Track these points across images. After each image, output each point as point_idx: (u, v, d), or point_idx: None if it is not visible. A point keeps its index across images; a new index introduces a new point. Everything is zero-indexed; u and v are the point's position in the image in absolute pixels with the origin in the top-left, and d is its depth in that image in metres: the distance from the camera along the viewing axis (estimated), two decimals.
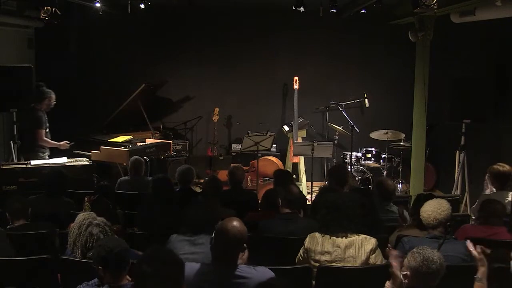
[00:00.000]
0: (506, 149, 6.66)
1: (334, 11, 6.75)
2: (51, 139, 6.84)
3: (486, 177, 5.52)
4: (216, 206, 3.95)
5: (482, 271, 3.09)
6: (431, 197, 3.93)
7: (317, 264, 3.42)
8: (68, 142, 6.84)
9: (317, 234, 3.51)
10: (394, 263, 2.79)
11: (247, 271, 2.87)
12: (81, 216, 3.35)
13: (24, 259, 3.52)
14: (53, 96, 6.86)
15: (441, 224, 3.54)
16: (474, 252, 3.19)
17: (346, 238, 3.43)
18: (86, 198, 4.29)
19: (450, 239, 3.54)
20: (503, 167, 5.07)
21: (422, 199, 4.00)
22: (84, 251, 3.23)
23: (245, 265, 2.92)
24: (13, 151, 6.85)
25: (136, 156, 6.09)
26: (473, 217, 5.15)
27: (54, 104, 6.87)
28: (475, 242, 3.48)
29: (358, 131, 7.96)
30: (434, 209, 3.57)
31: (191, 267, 2.85)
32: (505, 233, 3.97)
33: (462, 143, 6.92)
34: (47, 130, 6.78)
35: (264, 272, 2.89)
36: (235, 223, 2.94)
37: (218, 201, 4.40)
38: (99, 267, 2.79)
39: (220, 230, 2.93)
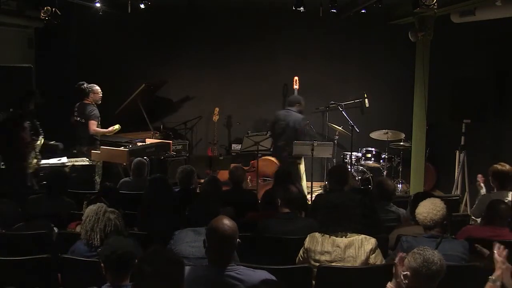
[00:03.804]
0: (506, 149, 6.67)
1: (334, 11, 6.76)
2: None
3: (479, 177, 5.54)
4: (217, 201, 3.97)
5: (498, 274, 3.01)
6: (428, 196, 3.93)
7: (317, 264, 3.42)
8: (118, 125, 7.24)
9: (317, 234, 3.51)
10: (399, 265, 2.78)
11: (245, 273, 2.86)
12: (93, 207, 3.45)
13: (24, 259, 3.51)
14: (96, 87, 7.13)
15: (437, 224, 3.53)
16: (497, 255, 3.07)
17: (346, 237, 3.42)
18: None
19: (448, 238, 3.55)
20: (503, 166, 5.07)
21: (420, 198, 3.99)
22: (102, 236, 3.32)
23: (245, 267, 2.91)
24: None
25: (138, 158, 6.06)
26: (473, 217, 5.15)
27: (101, 95, 7.17)
28: (478, 243, 3.48)
29: (358, 131, 7.96)
30: (430, 210, 3.55)
31: (189, 270, 2.84)
32: (508, 234, 3.96)
33: (462, 143, 6.92)
34: (99, 123, 7.12)
35: (262, 276, 2.85)
36: (224, 222, 2.89)
37: (218, 199, 4.41)
38: (102, 264, 2.82)
39: (210, 231, 2.89)
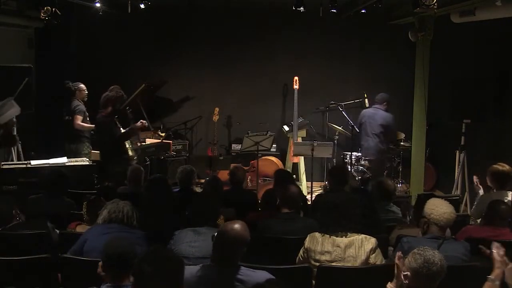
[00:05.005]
0: (506, 149, 6.66)
1: (334, 11, 6.76)
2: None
3: (474, 179, 5.53)
4: (216, 201, 3.97)
5: (497, 273, 3.02)
6: (432, 197, 3.91)
7: (317, 264, 3.42)
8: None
9: (317, 234, 3.51)
10: (399, 264, 2.78)
11: (245, 273, 2.87)
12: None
13: (24, 259, 3.51)
14: (81, 85, 7.30)
15: (448, 226, 3.51)
16: (495, 254, 3.09)
17: (346, 237, 3.43)
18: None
19: (449, 239, 3.54)
20: (503, 166, 5.07)
21: (423, 199, 3.98)
22: (124, 215, 3.63)
23: (246, 268, 2.92)
24: (13, 151, 6.85)
25: (135, 165, 5.99)
26: (473, 218, 5.15)
27: (87, 93, 7.36)
28: (478, 243, 3.47)
29: (358, 131, 7.96)
30: (448, 210, 3.48)
31: (189, 269, 2.85)
32: (508, 234, 3.96)
33: (462, 143, 6.92)
34: (88, 119, 7.28)
35: (262, 277, 2.85)
36: (237, 225, 2.95)
37: (218, 199, 4.40)
38: (100, 263, 2.83)
39: (222, 232, 2.95)
